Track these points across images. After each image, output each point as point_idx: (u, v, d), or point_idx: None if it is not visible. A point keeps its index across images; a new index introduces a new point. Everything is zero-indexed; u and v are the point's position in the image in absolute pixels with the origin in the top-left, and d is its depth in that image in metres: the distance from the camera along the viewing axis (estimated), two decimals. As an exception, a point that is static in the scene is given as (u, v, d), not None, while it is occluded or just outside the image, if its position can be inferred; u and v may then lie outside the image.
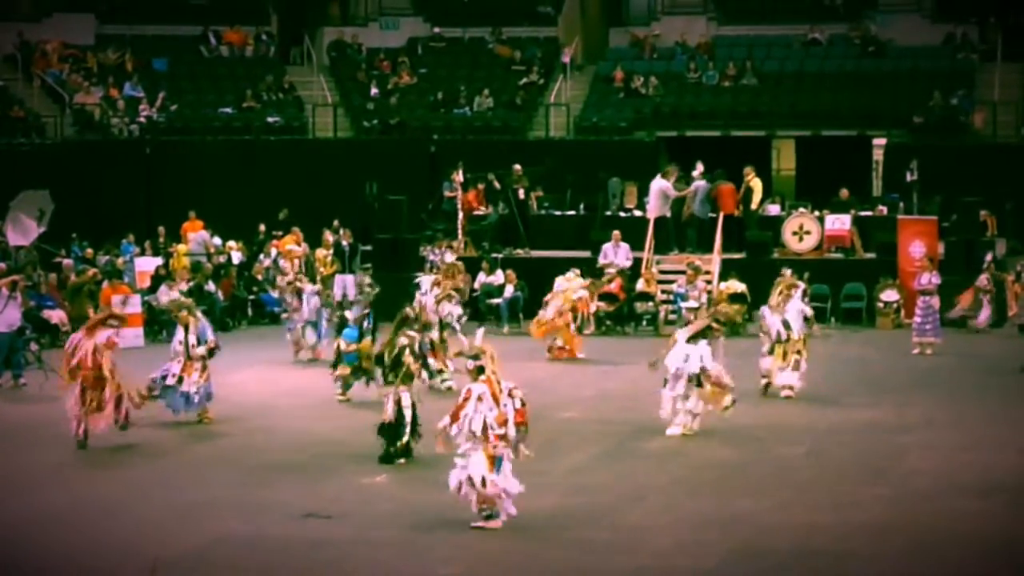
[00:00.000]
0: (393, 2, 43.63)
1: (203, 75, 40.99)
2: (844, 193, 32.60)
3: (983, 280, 28.83)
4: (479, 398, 14.39)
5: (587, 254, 30.45)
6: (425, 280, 25.09)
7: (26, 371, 23.66)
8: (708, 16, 42.22)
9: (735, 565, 13.48)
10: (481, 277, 30.26)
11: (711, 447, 18.56)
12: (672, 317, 29.03)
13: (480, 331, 15.37)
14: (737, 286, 23.26)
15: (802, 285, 22.78)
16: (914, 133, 36.59)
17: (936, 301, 26.71)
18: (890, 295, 29.80)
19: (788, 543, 14.10)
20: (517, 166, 33.05)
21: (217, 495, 16.05)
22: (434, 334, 22.18)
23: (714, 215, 31.56)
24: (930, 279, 26.94)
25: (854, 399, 21.90)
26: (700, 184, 31.65)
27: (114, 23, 40.62)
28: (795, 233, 31.52)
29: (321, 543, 14.06)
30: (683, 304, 28.50)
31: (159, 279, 29.40)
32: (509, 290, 30.09)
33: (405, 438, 17.31)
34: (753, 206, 31.91)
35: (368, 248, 32.58)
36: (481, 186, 33.50)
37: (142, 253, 32.05)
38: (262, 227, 33.80)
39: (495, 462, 14.38)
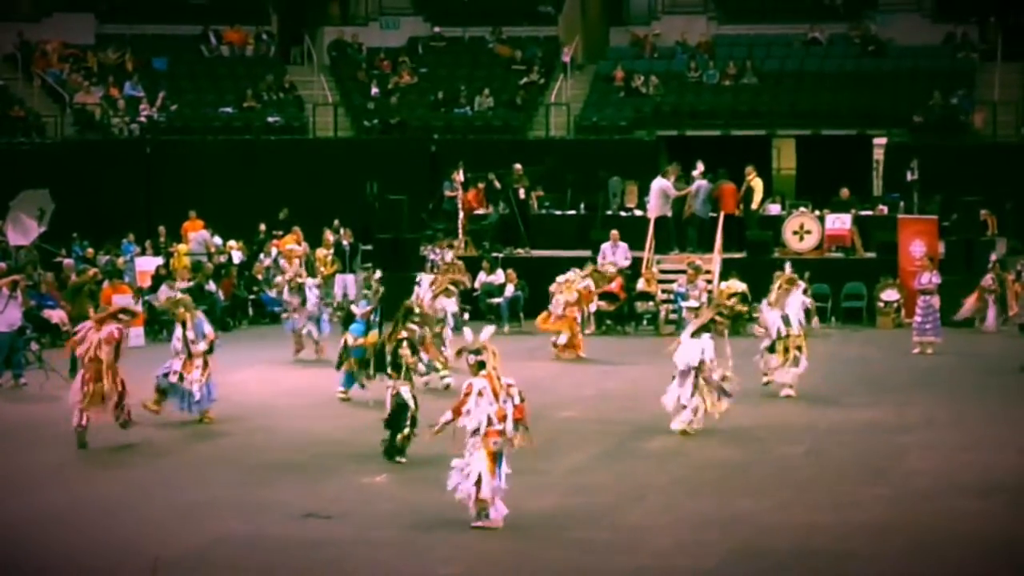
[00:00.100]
0: (393, 2, 43.62)
1: (203, 75, 40.99)
2: (844, 192, 32.61)
3: (988, 280, 28.77)
4: (479, 393, 14.41)
5: (587, 254, 30.44)
6: (425, 279, 25.09)
7: (26, 371, 23.67)
8: (708, 15, 42.21)
9: (735, 565, 13.49)
10: (481, 276, 30.27)
11: (711, 447, 18.56)
12: (672, 317, 29.06)
13: (489, 329, 15.37)
14: (737, 286, 23.16)
15: (802, 284, 22.77)
16: (914, 133, 36.59)
17: (936, 300, 26.71)
18: (890, 294, 29.81)
19: (788, 543, 14.11)
20: (517, 165, 33.05)
21: (217, 495, 16.06)
22: (427, 330, 22.15)
23: (715, 215, 31.57)
24: (930, 278, 26.94)
25: (854, 399, 21.90)
26: (701, 183, 31.65)
27: (114, 23, 40.63)
28: (795, 232, 31.53)
29: (321, 543, 14.07)
30: (683, 304, 28.54)
31: (159, 279, 29.40)
32: (510, 289, 30.10)
33: (406, 430, 17.29)
34: (754, 206, 31.92)
35: (369, 248, 32.57)
36: (481, 186, 33.50)
37: (143, 253, 32.06)
38: (262, 227, 33.79)
39: (495, 458, 14.38)
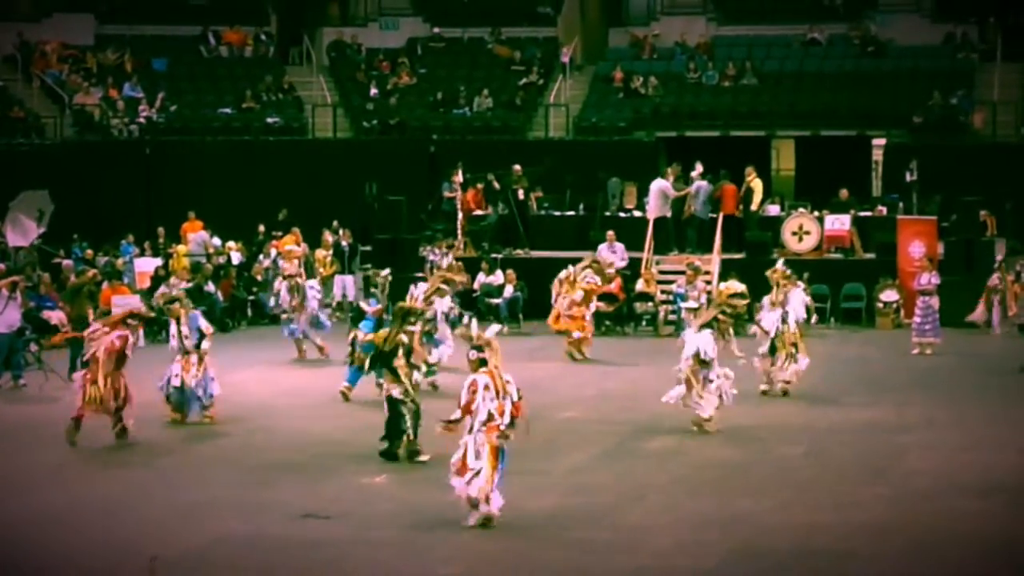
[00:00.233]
0: (392, 2, 43.65)
1: (203, 75, 41.01)
2: (844, 193, 32.60)
3: (995, 280, 28.70)
4: (485, 387, 14.42)
5: (587, 254, 30.41)
6: (420, 287, 25.03)
7: (26, 372, 23.66)
8: (708, 16, 42.24)
9: (735, 565, 13.48)
10: (481, 277, 30.27)
11: (711, 447, 18.56)
12: (672, 317, 29.05)
13: (495, 327, 15.33)
14: (737, 286, 23.13)
15: (801, 284, 22.76)
16: (914, 133, 36.62)
17: (936, 301, 26.70)
18: (890, 295, 29.81)
19: (788, 543, 14.10)
20: (517, 166, 33.03)
21: (217, 495, 16.05)
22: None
23: (714, 215, 31.58)
24: (930, 279, 26.93)
25: (854, 399, 21.90)
26: (701, 184, 31.65)
27: (114, 23, 40.67)
28: (795, 233, 31.52)
29: (321, 543, 14.06)
30: (683, 304, 28.48)
31: (159, 280, 29.39)
32: (509, 290, 30.09)
33: (410, 433, 17.28)
34: (753, 207, 31.91)
35: (368, 248, 32.58)
36: (480, 186, 33.49)
37: (142, 254, 32.08)
38: (261, 228, 33.80)
39: (498, 454, 14.38)
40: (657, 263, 31.02)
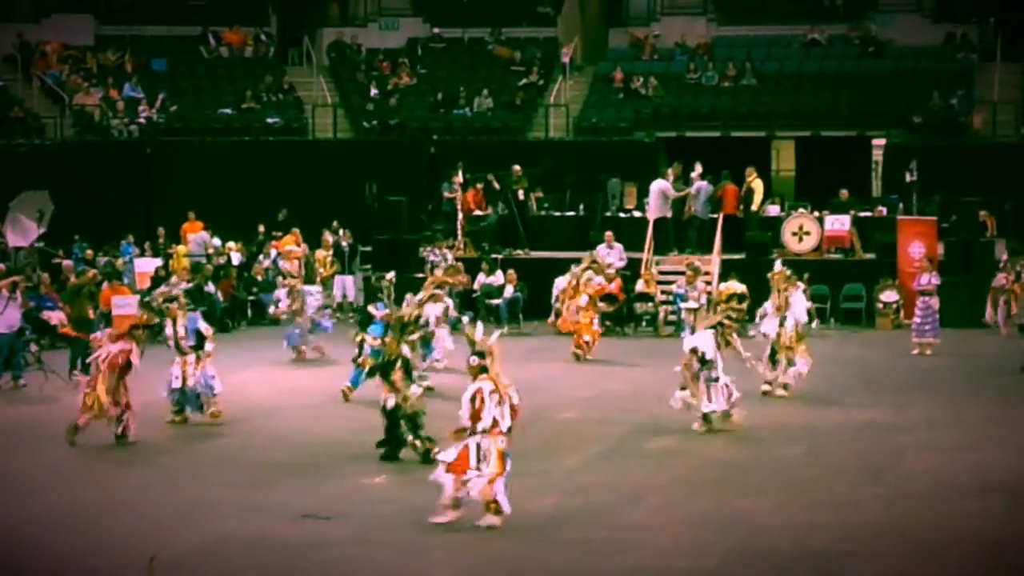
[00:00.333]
0: (392, 2, 43.66)
1: (203, 76, 41.01)
2: (844, 194, 32.62)
3: (1001, 279, 28.64)
4: (491, 392, 14.42)
5: (587, 255, 30.40)
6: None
7: (26, 372, 23.66)
8: (708, 17, 42.24)
9: (734, 565, 13.48)
10: (481, 278, 30.28)
11: (711, 447, 18.56)
12: (672, 318, 29.06)
13: (495, 332, 15.32)
14: (737, 287, 23.16)
15: (801, 285, 22.76)
16: (914, 133, 36.62)
17: (935, 301, 26.70)
18: (890, 296, 29.82)
19: (787, 543, 14.10)
20: (516, 167, 33.04)
21: (217, 495, 16.05)
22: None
23: (714, 215, 31.59)
24: (930, 280, 26.94)
25: (854, 399, 21.90)
26: (701, 184, 31.66)
27: (113, 24, 40.67)
28: (795, 234, 31.53)
29: (321, 543, 14.06)
30: (682, 305, 28.48)
31: (159, 280, 29.37)
32: (509, 291, 30.09)
33: (416, 442, 17.28)
34: (754, 207, 31.93)
35: (368, 249, 32.59)
36: (480, 187, 33.50)
37: (142, 254, 32.09)
38: (261, 228, 33.82)
39: (503, 457, 14.40)
40: (657, 263, 31.03)
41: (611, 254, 30.25)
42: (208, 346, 20.08)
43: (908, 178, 32.44)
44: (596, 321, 26.52)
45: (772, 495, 15.95)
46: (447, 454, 14.56)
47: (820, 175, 35.39)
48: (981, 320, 28.36)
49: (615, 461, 17.91)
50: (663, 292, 29.97)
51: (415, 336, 18.70)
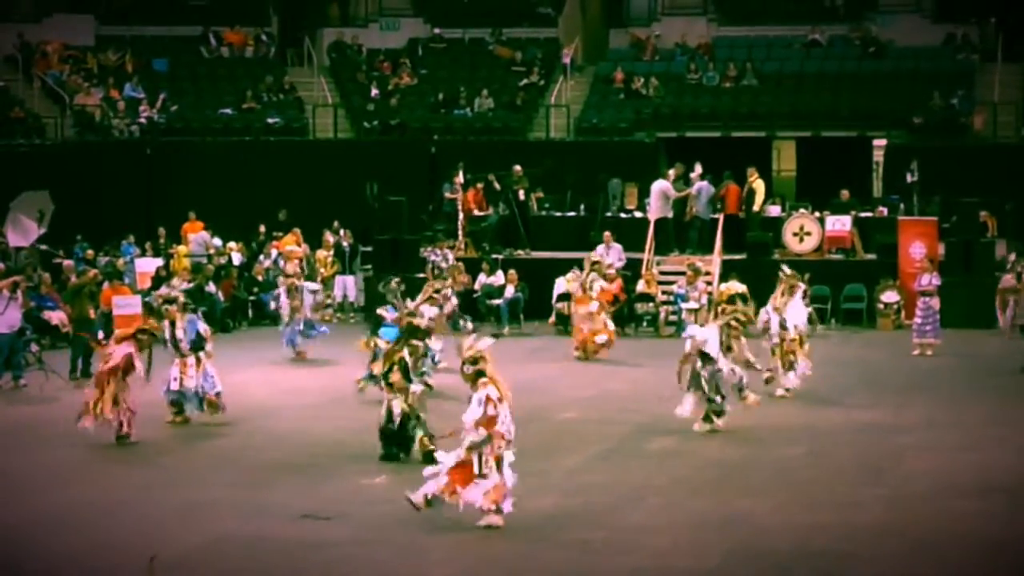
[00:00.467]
0: (393, 3, 43.63)
1: (203, 76, 41.00)
2: (844, 194, 32.64)
3: (1009, 280, 28.55)
4: (499, 400, 14.41)
5: (587, 255, 30.42)
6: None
7: (26, 372, 23.67)
8: (708, 17, 42.21)
9: (734, 565, 13.48)
10: (481, 278, 30.29)
11: (711, 447, 18.57)
12: (672, 318, 29.07)
13: (487, 340, 15.30)
14: (737, 287, 23.23)
15: (803, 286, 22.78)
16: (914, 134, 36.59)
17: (936, 302, 26.69)
18: (890, 296, 29.83)
19: (787, 544, 14.10)
20: (517, 167, 33.05)
21: (217, 495, 16.05)
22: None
23: (715, 216, 31.60)
24: (930, 280, 26.93)
25: (854, 399, 21.91)
26: (702, 185, 31.67)
27: (114, 24, 40.66)
28: (795, 234, 31.54)
29: (321, 544, 14.07)
30: (683, 305, 28.55)
31: (160, 280, 29.39)
32: (510, 291, 30.09)
33: (424, 439, 17.27)
34: (755, 207, 31.96)
35: (368, 249, 32.60)
36: (481, 187, 33.51)
37: (143, 254, 32.10)
38: (262, 228, 33.83)
39: (501, 463, 14.40)
40: (658, 264, 31.04)
41: (609, 254, 30.26)
42: (208, 347, 20.10)
43: (909, 179, 32.45)
44: (609, 322, 26.51)
45: (772, 495, 15.96)
46: (448, 457, 14.54)
47: (821, 175, 35.38)
48: (987, 323, 28.19)
49: (615, 461, 17.91)
50: (664, 292, 29.99)
51: (419, 343, 18.77)
